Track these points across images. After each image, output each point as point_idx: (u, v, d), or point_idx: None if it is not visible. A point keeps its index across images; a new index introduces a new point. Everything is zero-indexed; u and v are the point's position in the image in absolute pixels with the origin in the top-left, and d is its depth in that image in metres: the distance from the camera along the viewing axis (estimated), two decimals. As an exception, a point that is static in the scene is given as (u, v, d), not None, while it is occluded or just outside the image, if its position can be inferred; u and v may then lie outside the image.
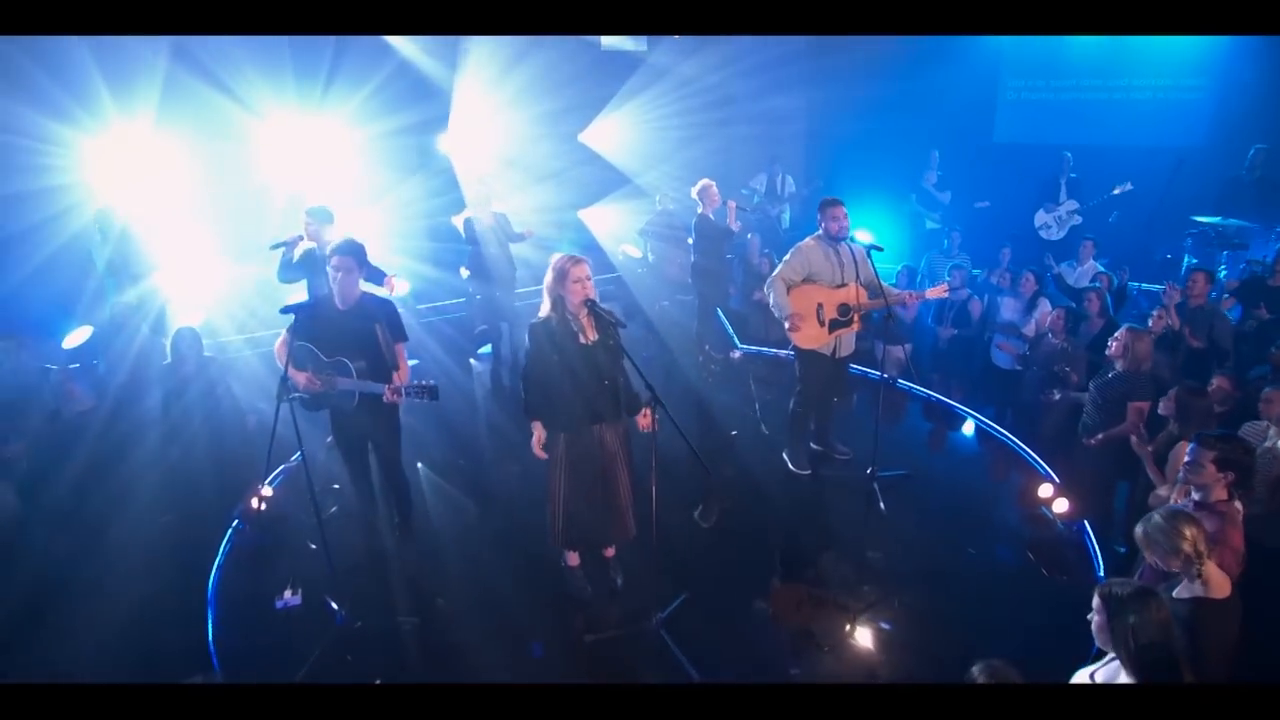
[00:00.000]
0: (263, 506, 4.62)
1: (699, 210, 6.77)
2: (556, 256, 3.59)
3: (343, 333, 3.80)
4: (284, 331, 3.78)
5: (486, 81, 8.33)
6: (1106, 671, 2.48)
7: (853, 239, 4.98)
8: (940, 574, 4.20)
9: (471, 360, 7.38)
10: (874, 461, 4.95)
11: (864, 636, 3.81)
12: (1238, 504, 3.23)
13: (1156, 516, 2.75)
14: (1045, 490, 4.60)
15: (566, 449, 3.77)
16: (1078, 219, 8.40)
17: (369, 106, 7.63)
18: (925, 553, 4.40)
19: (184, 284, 6.62)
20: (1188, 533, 2.63)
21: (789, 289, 4.89)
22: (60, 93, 5.95)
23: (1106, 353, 4.40)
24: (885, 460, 5.05)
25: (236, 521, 4.67)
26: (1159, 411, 4.17)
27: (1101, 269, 6.75)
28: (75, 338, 6.14)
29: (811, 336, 4.96)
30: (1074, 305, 5.93)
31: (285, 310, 3.63)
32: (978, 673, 2.35)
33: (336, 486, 4.96)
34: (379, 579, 4.22)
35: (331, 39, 7.17)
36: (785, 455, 5.35)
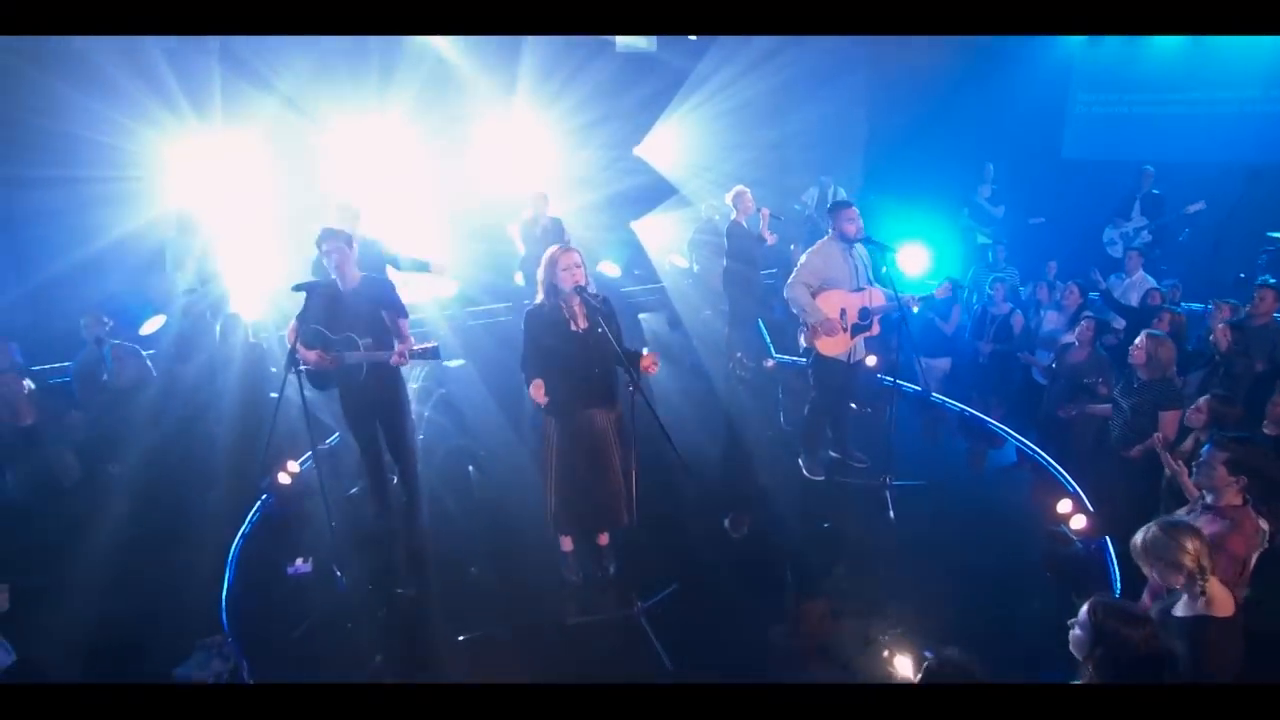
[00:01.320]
0: (288, 481, 4.93)
1: (732, 216, 6.79)
2: (550, 248, 3.74)
3: (349, 312, 4.02)
4: (294, 320, 4.01)
5: (531, 89, 8.57)
6: None
7: (882, 245, 4.90)
8: (939, 584, 4.05)
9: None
10: (889, 470, 4.86)
11: (852, 640, 3.73)
12: (1261, 520, 3.02)
13: (1155, 528, 2.54)
14: (1064, 506, 4.37)
15: (559, 434, 3.86)
16: (1147, 236, 7.97)
17: (416, 108, 7.93)
18: (926, 562, 4.26)
19: (244, 280, 7.06)
20: (1190, 546, 2.42)
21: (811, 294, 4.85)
22: (135, 92, 6.43)
23: (1129, 360, 4.17)
24: (905, 470, 4.95)
25: (265, 494, 4.97)
26: (1185, 423, 3.93)
27: (1154, 284, 6.38)
28: (151, 325, 6.66)
29: (836, 342, 4.90)
30: (1113, 318, 5.61)
31: (297, 288, 3.88)
32: (931, 660, 2.28)
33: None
34: (383, 552, 4.42)
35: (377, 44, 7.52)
36: (800, 461, 5.28)
